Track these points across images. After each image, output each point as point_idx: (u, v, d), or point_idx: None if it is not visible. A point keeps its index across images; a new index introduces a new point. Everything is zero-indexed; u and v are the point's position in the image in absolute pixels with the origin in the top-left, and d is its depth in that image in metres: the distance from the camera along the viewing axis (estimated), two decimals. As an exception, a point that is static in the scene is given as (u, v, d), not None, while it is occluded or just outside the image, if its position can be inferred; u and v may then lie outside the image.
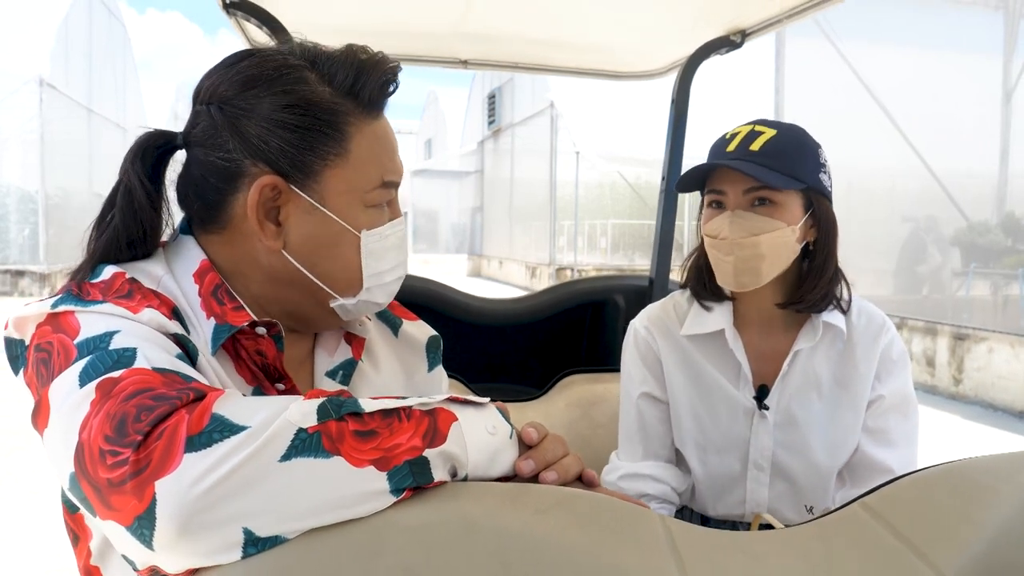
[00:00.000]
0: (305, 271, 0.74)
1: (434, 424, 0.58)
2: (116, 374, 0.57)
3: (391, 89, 0.77)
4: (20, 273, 13.52)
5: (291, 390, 0.76)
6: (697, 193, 1.21)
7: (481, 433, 0.61)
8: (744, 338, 1.22)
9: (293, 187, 0.72)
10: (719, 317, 1.22)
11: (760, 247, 1.10)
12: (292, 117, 0.71)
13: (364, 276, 0.77)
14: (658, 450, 1.28)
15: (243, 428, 0.52)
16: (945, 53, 8.34)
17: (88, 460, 0.53)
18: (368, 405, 0.57)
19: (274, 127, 0.71)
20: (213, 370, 0.71)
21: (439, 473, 0.57)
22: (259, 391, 0.74)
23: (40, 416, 0.60)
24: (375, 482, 0.54)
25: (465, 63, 2.08)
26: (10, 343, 0.67)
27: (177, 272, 0.74)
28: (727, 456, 1.22)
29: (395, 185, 0.78)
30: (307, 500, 0.52)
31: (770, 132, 1.11)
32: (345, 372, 0.83)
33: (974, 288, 7.26)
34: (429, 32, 1.87)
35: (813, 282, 1.15)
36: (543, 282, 16.36)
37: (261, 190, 0.71)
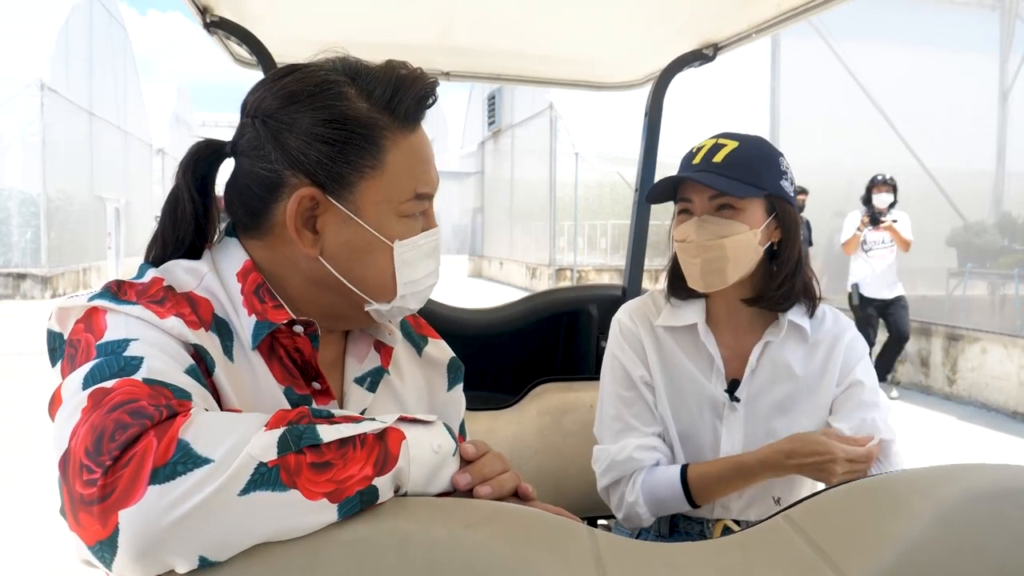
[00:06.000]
0: (340, 276, 0.78)
1: (385, 448, 0.62)
2: (109, 384, 0.60)
3: (429, 103, 0.80)
4: (22, 276, 13.57)
5: (326, 390, 0.80)
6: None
7: (427, 452, 0.65)
8: (716, 335, 1.28)
9: (330, 198, 0.75)
10: (693, 312, 1.28)
11: (724, 249, 1.17)
12: (330, 131, 0.74)
13: (398, 284, 0.79)
14: (656, 427, 1.31)
15: (207, 461, 0.55)
16: (941, 52, 8.32)
17: (71, 470, 0.56)
18: (327, 434, 0.60)
19: (313, 140, 0.74)
20: (249, 364, 0.75)
21: (386, 495, 0.61)
22: (290, 391, 0.78)
23: (53, 408, 0.64)
24: (325, 513, 0.57)
25: (447, 75, 2.11)
26: (51, 335, 0.72)
27: (222, 271, 0.78)
28: (700, 447, 1.27)
29: (429, 197, 0.80)
30: (261, 531, 0.55)
31: (732, 144, 1.19)
32: (373, 380, 0.86)
33: (970, 288, 7.26)
34: (410, 45, 1.90)
35: (777, 279, 1.22)
36: (543, 283, 16.36)
37: (300, 201, 0.75)
